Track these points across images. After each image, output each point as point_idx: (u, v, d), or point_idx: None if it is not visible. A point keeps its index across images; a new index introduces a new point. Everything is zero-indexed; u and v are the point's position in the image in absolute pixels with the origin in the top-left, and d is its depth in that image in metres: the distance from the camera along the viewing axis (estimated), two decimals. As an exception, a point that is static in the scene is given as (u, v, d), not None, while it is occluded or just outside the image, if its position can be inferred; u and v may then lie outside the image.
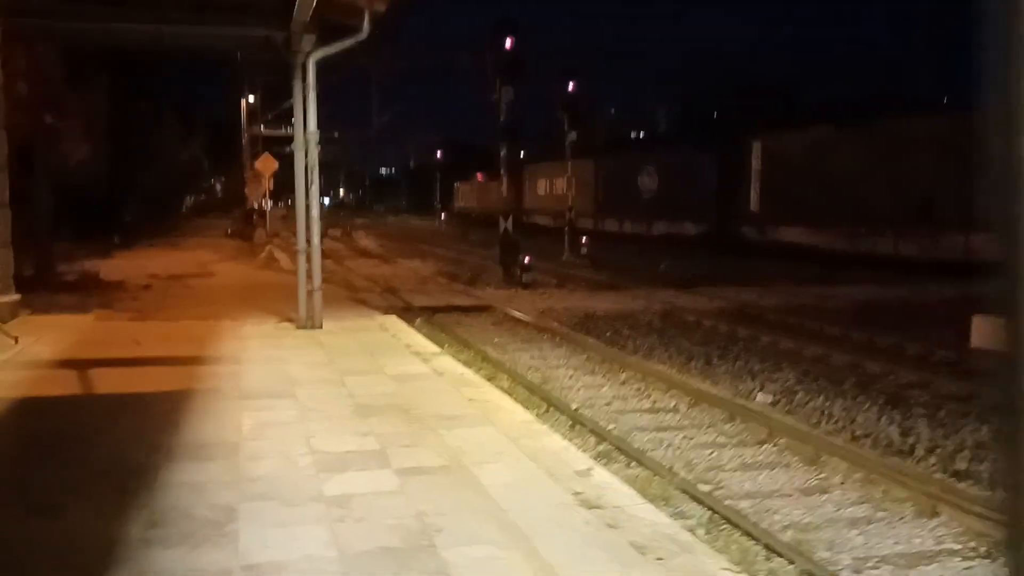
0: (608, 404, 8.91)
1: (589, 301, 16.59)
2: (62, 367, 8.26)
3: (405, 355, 9.07)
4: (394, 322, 11.72)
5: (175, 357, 8.88)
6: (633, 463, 6.69)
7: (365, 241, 37.52)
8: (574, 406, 8.62)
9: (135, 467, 5.12)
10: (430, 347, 9.78)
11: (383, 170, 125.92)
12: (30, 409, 6.68)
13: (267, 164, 25.18)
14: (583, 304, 16.10)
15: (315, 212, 10.71)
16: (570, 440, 6.24)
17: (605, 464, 6.01)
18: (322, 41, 10.59)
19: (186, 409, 6.62)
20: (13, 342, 9.33)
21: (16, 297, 9.66)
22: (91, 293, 15.69)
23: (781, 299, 16.82)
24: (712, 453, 7.16)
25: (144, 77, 35.15)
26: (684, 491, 6.00)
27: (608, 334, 13.52)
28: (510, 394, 7.82)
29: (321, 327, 10.77)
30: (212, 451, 5.49)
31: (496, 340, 12.87)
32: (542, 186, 49.99)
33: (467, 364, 9.23)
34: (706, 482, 6.36)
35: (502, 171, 20.16)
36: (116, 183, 29.57)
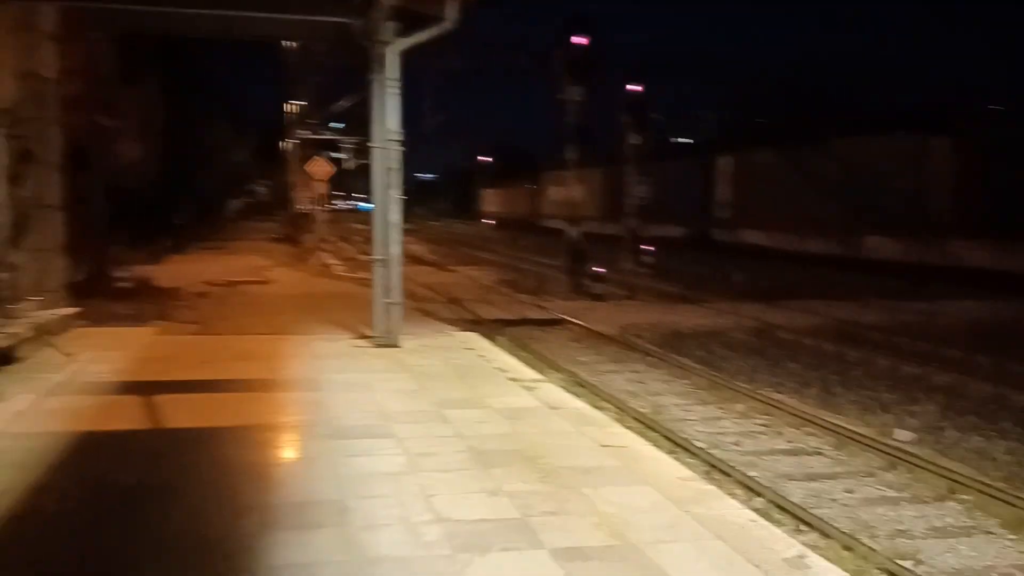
0: (736, 443, 7.73)
1: (671, 315, 15.39)
2: (123, 392, 7.28)
3: (502, 382, 7.97)
4: (476, 340, 10.62)
5: (247, 380, 7.87)
6: (813, 530, 5.50)
7: (415, 246, 36.53)
8: (698, 444, 7.47)
9: (222, 538, 4.07)
10: (525, 371, 8.67)
11: (421, 175, 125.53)
12: (88, 449, 5.68)
13: (319, 168, 24.27)
14: (666, 319, 14.90)
15: (395, 217, 9.66)
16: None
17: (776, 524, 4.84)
18: (404, 31, 9.57)
19: (271, 452, 5.57)
20: (69, 359, 8.40)
21: (73, 310, 8.76)
22: (147, 301, 14.83)
23: (879, 315, 15.50)
24: (889, 513, 5.96)
25: (196, 76, 34.66)
26: (888, 573, 4.82)
27: (700, 353, 12.33)
28: (640, 434, 6.67)
29: (399, 345, 9.71)
30: (315, 515, 4.42)
31: (582, 359, 11.74)
32: (558, 193, 51.80)
33: (565, 391, 8.10)
34: (903, 556, 5.16)
35: (569, 174, 19.00)
36: (169, 185, 28.93)
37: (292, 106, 48.04)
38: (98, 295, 14.82)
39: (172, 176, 29.40)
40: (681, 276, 22.92)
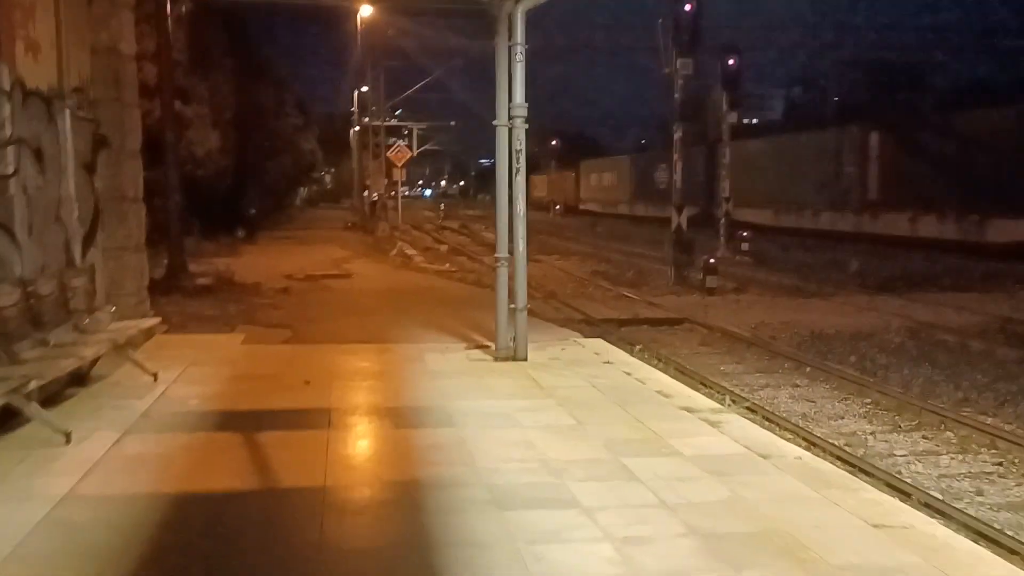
0: (979, 493, 6.04)
1: (803, 313, 13.62)
2: (219, 427, 5.89)
3: (672, 412, 6.40)
4: (610, 350, 9.08)
5: (365, 410, 6.44)
6: None
7: (488, 234, 35.06)
8: (934, 494, 5.81)
9: None
10: (690, 394, 7.09)
11: (484, 161, 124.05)
12: (185, 521, 4.28)
13: (400, 154, 22.92)
14: (799, 317, 13.15)
15: (521, 208, 8.13)
16: None
17: None
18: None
19: (427, 533, 4.10)
20: (152, 379, 7.07)
21: (154, 321, 7.48)
22: (228, 300, 13.61)
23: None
24: None
25: (264, 64, 33.65)
26: None
27: (852, 359, 10.62)
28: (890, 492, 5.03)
29: (526, 358, 8.21)
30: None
31: (724, 369, 10.10)
32: (594, 179, 57.27)
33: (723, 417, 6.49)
34: None
35: (675, 155, 17.28)
36: (240, 174, 27.95)
37: (363, 94, 46.98)
38: (176, 293, 13.66)
39: (243, 165, 28.42)
40: (786, 265, 21.04)
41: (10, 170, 6.22)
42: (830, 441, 6.96)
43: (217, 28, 26.06)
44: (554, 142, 67.00)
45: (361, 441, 5.68)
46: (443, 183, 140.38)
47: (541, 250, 26.73)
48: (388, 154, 23.96)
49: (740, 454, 5.31)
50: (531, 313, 13.31)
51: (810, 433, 7.14)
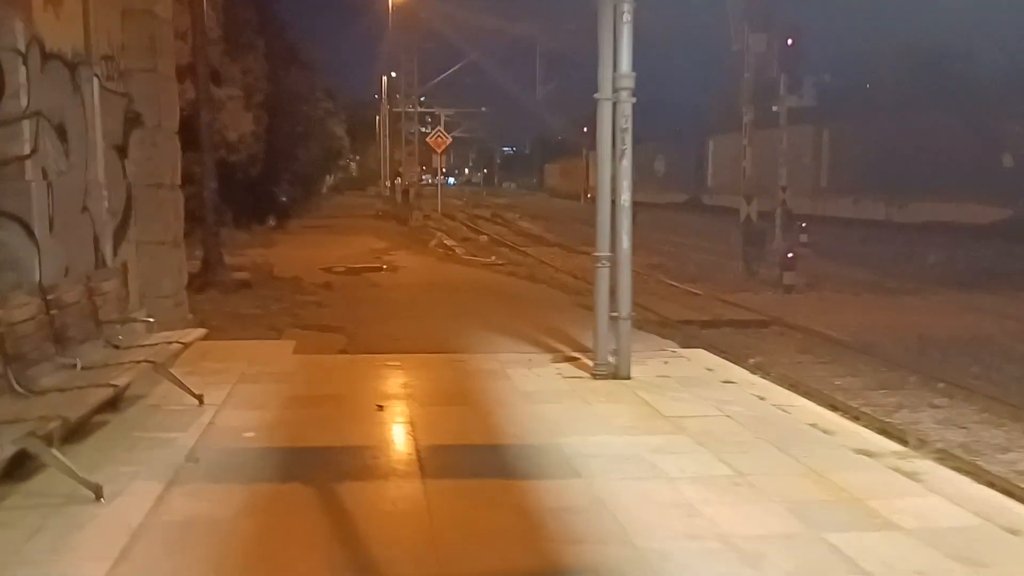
0: None
1: (899, 314, 12.25)
2: (288, 475, 4.63)
3: (843, 453, 5.07)
4: (720, 364, 7.76)
5: (459, 448, 5.17)
6: None
7: (524, 223, 33.80)
8: None
9: None
10: (854, 429, 5.76)
11: (507, 148, 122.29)
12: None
13: (440, 141, 21.62)
14: (897, 319, 11.77)
15: (627, 199, 6.81)
16: None
17: None
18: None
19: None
20: (196, 402, 5.84)
21: (199, 333, 6.21)
22: (269, 297, 12.40)
23: None
24: None
25: (294, 48, 32.38)
26: None
27: (975, 369, 9.30)
28: None
29: (630, 376, 6.91)
30: None
31: (837, 383, 8.76)
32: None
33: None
34: None
35: (744, 140, 15.86)
36: (272, 160, 26.72)
37: (391, 79, 45.65)
38: (212, 289, 12.44)
39: (274, 151, 27.20)
40: (849, 258, 19.57)
41: (26, 149, 4.99)
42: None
43: (248, 7, 24.83)
44: (585, 129, 65.26)
45: (469, 500, 4.40)
46: (467, 171, 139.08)
47: (582, 241, 25.40)
48: (428, 140, 22.64)
49: (976, 528, 3.98)
50: (591, 308, 12.10)
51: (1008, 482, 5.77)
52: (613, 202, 6.85)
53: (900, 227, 26.62)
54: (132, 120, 7.34)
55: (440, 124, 47.24)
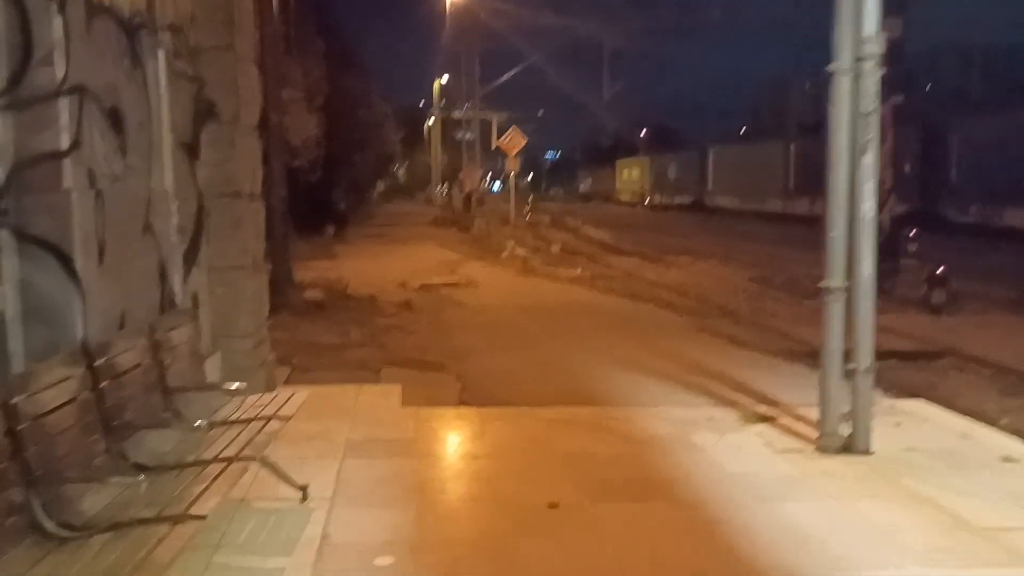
0: None
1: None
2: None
3: None
4: (956, 421, 5.86)
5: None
6: None
7: (591, 231, 31.83)
8: None
9: None
10: None
11: (550, 153, 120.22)
12: None
13: (514, 142, 19.84)
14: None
15: (869, 208, 4.94)
16: None
17: None
18: None
19: None
20: (299, 496, 4.10)
21: (301, 397, 4.54)
22: (347, 320, 10.74)
23: None
24: None
25: (351, 51, 30.94)
26: None
27: None
28: None
29: (870, 449, 5.03)
30: None
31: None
32: (625, 174, 66.49)
33: None
34: None
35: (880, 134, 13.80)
36: (330, 166, 25.21)
37: (445, 83, 44.05)
38: (283, 311, 10.77)
39: (333, 157, 25.70)
40: (966, 267, 17.36)
41: (64, 143, 3.30)
42: None
43: (307, 5, 23.37)
44: (643, 132, 63.40)
45: None
46: (512, 176, 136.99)
47: (663, 250, 23.43)
48: (500, 143, 20.89)
49: None
50: (730, 339, 10.22)
51: None
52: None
53: (999, 233, 24.24)
54: (204, 112, 5.66)
55: (493, 129, 45.64)
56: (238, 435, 3.75)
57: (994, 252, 20.88)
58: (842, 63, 4.88)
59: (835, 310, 5.05)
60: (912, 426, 5.66)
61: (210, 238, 5.77)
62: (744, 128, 72.09)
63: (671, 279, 16.54)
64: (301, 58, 21.14)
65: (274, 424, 3.92)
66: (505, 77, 33.48)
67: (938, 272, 12.26)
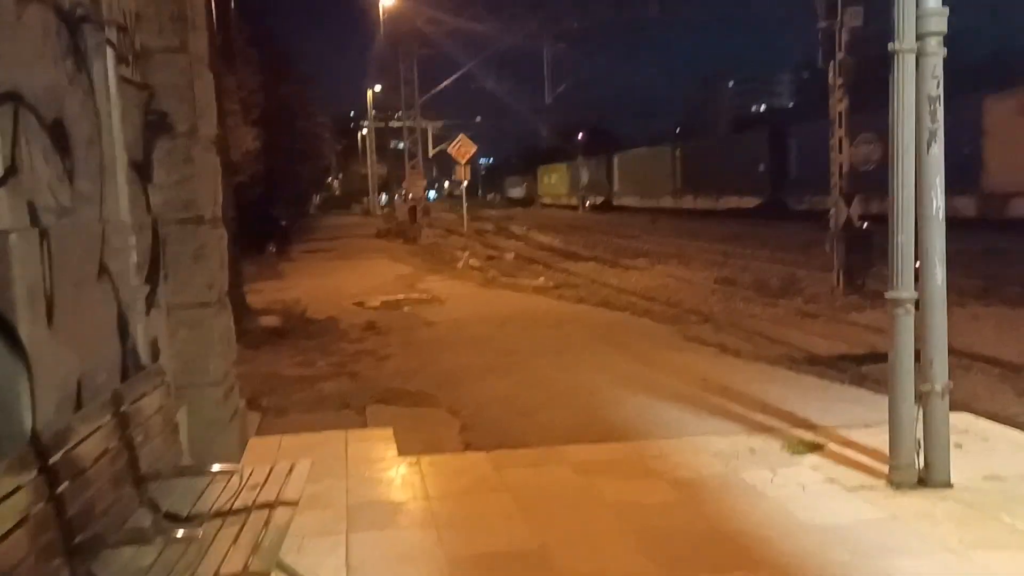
0: None
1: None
2: None
3: None
4: (1015, 435, 5.32)
5: None
6: None
7: (542, 237, 31.20)
8: None
9: None
10: None
11: (483, 159, 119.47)
12: None
13: (465, 148, 19.06)
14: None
15: (939, 204, 4.34)
16: None
17: None
18: None
19: None
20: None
21: (303, 468, 3.72)
22: (308, 346, 9.86)
23: None
24: None
25: (287, 63, 29.78)
26: None
27: None
28: None
29: (950, 482, 4.42)
30: None
31: None
32: (546, 179, 70.35)
33: None
34: None
35: (839, 133, 13.44)
36: (270, 180, 24.10)
37: (378, 93, 43.10)
38: (241, 341, 9.83)
39: (272, 171, 24.59)
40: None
41: (-6, 170, 2.41)
42: None
43: (238, 14, 22.21)
44: (580, 135, 63.12)
45: None
46: (447, 184, 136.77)
47: (619, 253, 22.91)
48: (450, 150, 20.07)
49: None
50: (720, 348, 9.63)
51: None
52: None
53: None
54: (156, 124, 4.78)
55: (428, 138, 44.76)
56: (238, 535, 2.91)
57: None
58: (904, 42, 4.25)
59: (905, 324, 4.42)
60: (975, 447, 5.08)
61: (169, 272, 4.88)
62: (679, 128, 72.74)
63: (636, 284, 15.98)
64: (234, 68, 20.02)
65: (281, 514, 3.09)
66: (444, 84, 32.60)
67: (916, 266, 11.87)
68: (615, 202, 52.64)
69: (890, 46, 4.29)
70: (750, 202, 35.23)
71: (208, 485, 3.38)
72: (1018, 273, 14.43)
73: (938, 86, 4.27)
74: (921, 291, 4.41)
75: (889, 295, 4.48)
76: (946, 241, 4.41)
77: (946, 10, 4.25)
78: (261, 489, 3.34)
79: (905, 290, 4.41)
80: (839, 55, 13.22)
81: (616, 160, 53.55)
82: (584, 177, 58.26)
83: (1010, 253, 17.32)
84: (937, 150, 4.32)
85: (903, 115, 4.31)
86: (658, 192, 45.98)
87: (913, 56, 4.27)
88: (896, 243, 4.41)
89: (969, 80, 23.19)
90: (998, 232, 20.49)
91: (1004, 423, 5.92)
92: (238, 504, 3.20)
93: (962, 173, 12.63)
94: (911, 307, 4.42)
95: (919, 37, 4.26)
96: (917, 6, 4.24)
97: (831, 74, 13.63)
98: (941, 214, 4.36)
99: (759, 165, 35.04)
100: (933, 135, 4.30)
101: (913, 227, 4.37)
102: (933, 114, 4.28)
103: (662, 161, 45.96)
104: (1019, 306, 11.56)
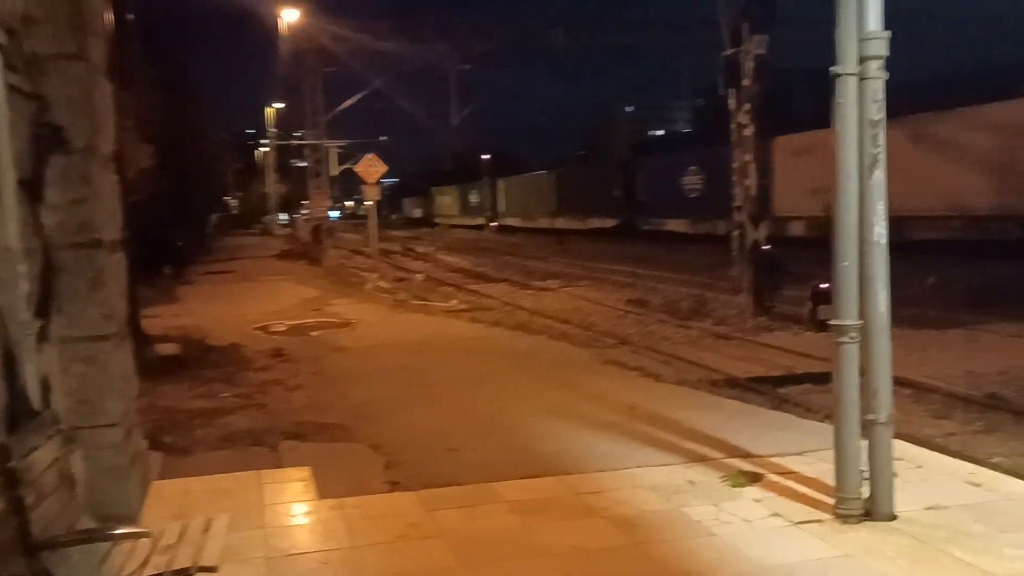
0: None
1: (998, 356, 10.22)
2: None
3: None
4: (953, 464, 5.33)
5: None
6: None
7: (449, 258, 30.89)
8: None
9: None
10: None
11: (384, 180, 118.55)
12: None
13: (372, 168, 18.62)
14: (1004, 362, 9.73)
15: (880, 231, 4.27)
16: None
17: None
18: None
19: None
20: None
21: (222, 522, 3.27)
22: (212, 377, 9.26)
23: None
24: None
25: (185, 76, 28.68)
26: None
27: None
28: None
29: (894, 514, 4.34)
30: None
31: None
32: (439, 200, 74.14)
33: None
34: None
35: (748, 155, 13.66)
36: (166, 200, 22.97)
37: (280, 110, 42.25)
38: (137, 371, 9.18)
39: (169, 190, 23.48)
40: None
41: None
42: None
43: (131, 29, 21.21)
44: (483, 157, 63.23)
45: None
46: (348, 204, 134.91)
47: (529, 275, 22.82)
48: (356, 169, 19.56)
49: None
50: (616, 363, 9.59)
51: None
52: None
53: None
54: (48, 139, 4.27)
55: (332, 157, 43.90)
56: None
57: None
58: (845, 64, 4.20)
59: (850, 352, 4.33)
60: (912, 475, 5.04)
61: (63, 303, 4.37)
62: (582, 151, 73.96)
63: (550, 307, 15.86)
64: (131, 81, 19.06)
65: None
66: (349, 102, 31.95)
67: (822, 287, 12.14)
68: (500, 222, 56.32)
69: (832, 69, 4.22)
70: (609, 222, 40.49)
71: (112, 549, 2.94)
72: (911, 296, 14.99)
73: (879, 110, 4.22)
74: (865, 318, 4.32)
75: (833, 322, 4.38)
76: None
77: (888, 34, 4.21)
78: (175, 553, 2.93)
79: (849, 318, 4.31)
80: (745, 82, 13.47)
81: (501, 184, 57.91)
82: (472, 199, 61.88)
83: (900, 277, 17.97)
84: (880, 175, 4.27)
85: (846, 139, 4.24)
86: (537, 213, 50.47)
87: (855, 79, 4.21)
88: (840, 269, 4.32)
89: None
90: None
91: (923, 446, 5.96)
92: (148, 572, 2.78)
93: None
94: (856, 335, 4.33)
95: (861, 60, 4.20)
96: (859, 29, 4.18)
97: (732, 100, 13.89)
98: (884, 239, 4.30)
99: (615, 191, 40.96)
100: (875, 160, 4.24)
101: (856, 254, 4.29)
102: (874, 139, 4.23)
103: (541, 186, 50.55)
104: (919, 327, 11.92)
